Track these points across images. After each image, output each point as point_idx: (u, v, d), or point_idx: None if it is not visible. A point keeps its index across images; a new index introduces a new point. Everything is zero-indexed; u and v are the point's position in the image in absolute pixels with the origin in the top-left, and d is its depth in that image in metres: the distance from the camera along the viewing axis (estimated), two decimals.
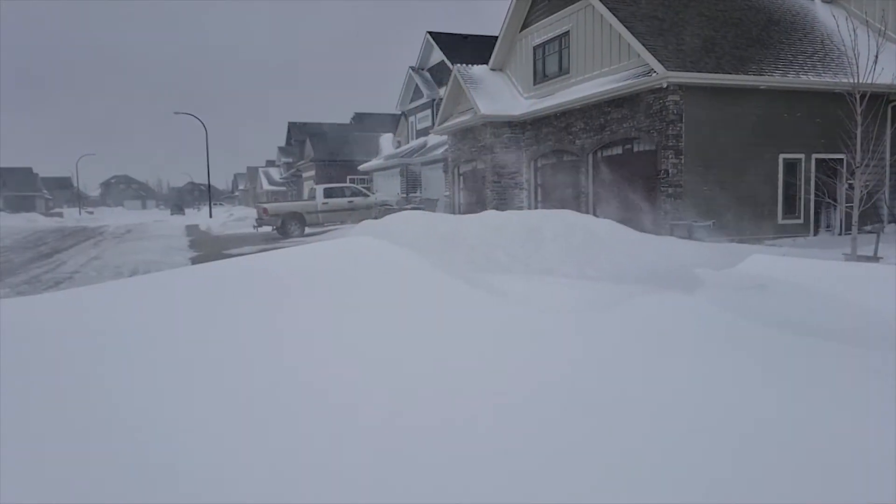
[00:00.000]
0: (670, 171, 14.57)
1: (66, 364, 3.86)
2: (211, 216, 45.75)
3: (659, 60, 14.45)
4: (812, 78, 15.34)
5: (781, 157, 15.38)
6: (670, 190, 14.57)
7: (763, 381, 3.71)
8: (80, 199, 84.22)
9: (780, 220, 15.47)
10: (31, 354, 3.97)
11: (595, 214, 16.21)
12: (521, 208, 20.43)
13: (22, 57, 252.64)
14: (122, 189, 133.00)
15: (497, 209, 16.16)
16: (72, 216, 65.68)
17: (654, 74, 14.54)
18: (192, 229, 32.47)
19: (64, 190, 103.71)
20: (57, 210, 76.45)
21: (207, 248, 19.64)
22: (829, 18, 17.15)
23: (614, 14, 16.17)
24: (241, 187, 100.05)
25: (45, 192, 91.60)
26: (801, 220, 15.70)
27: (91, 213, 77.14)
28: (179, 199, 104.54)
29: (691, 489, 2.68)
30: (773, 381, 3.71)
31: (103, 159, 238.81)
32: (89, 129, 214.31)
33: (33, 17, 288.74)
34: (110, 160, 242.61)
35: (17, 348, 4.06)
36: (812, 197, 15.54)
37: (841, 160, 15.06)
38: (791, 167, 15.52)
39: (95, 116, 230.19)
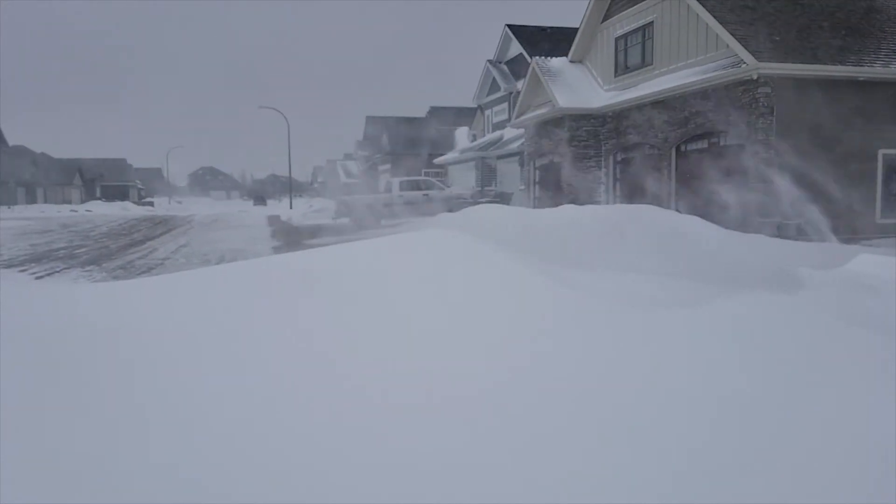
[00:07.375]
0: (759, 166, 13.96)
1: (163, 349, 4.01)
2: (291, 207, 47.17)
3: (749, 51, 13.86)
4: None
5: (881, 152, 14.50)
6: (759, 186, 13.95)
7: (874, 393, 3.48)
8: (169, 189, 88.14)
9: (879, 220, 14.59)
10: (123, 339, 4.15)
11: (677, 210, 15.71)
12: (598, 203, 20.04)
13: (120, 55, 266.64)
14: (208, 180, 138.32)
15: (574, 203, 15.89)
16: (162, 205, 69.05)
17: (743, 66, 13.96)
18: (273, 220, 33.42)
19: (155, 180, 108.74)
20: (148, 199, 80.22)
21: (288, 238, 20.17)
22: None
23: (702, 3, 15.61)
24: (319, 179, 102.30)
25: (137, 182, 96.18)
26: None
27: (179, 202, 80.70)
28: (261, 191, 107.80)
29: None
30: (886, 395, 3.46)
31: (191, 152, 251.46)
32: (179, 124, 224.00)
33: (127, 17, 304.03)
34: (198, 152, 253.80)
35: (112, 332, 4.25)
36: None
37: None
38: (892, 163, 14.61)
39: (184, 111, 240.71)
